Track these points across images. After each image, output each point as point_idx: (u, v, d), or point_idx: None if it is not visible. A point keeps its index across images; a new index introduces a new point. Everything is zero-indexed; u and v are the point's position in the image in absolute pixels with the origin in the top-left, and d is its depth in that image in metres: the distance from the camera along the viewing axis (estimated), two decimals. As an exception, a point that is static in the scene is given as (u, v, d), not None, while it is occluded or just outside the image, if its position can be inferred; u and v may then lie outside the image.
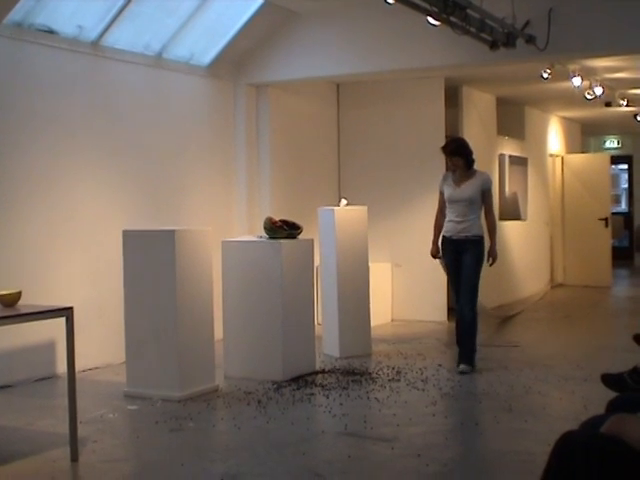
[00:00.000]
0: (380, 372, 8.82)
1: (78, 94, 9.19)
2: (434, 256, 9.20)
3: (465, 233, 8.89)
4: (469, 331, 8.89)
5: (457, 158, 8.89)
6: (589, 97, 13.22)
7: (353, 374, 8.70)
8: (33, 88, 8.70)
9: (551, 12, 9.41)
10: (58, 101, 8.96)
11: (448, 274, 9.31)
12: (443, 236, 9.07)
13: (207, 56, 11.01)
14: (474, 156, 9.06)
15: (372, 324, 10.11)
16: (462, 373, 8.67)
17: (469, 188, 8.90)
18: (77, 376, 5.98)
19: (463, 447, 6.38)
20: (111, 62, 9.59)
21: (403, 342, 10.38)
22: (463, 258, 8.87)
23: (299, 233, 8.78)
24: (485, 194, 8.97)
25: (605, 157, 18.65)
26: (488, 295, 13.65)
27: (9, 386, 8.24)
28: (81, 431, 6.05)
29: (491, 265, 9.07)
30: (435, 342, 10.65)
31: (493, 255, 9.00)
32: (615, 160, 21.43)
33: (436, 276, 12.39)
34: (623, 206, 24.58)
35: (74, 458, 5.83)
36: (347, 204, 10.06)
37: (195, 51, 10.81)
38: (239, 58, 11.33)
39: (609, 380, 6.18)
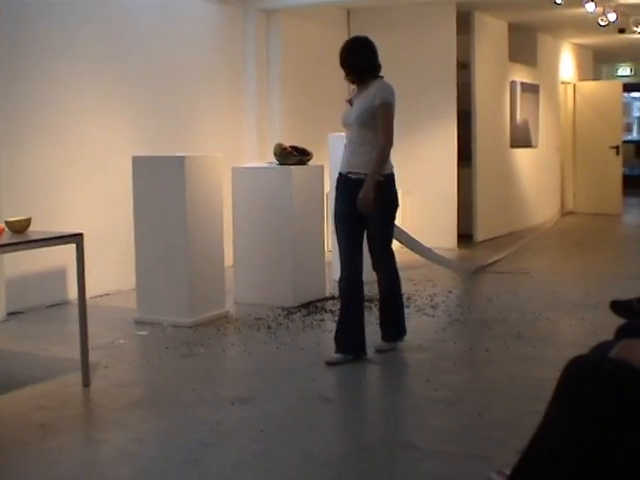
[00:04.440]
0: (390, 299, 8.84)
1: (87, 23, 9.10)
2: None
3: (362, 170, 6.35)
4: (389, 296, 6.82)
5: (346, 69, 6.56)
6: (602, 23, 13.05)
7: (363, 301, 8.72)
8: (42, 18, 8.61)
9: None
10: (67, 30, 8.88)
11: (336, 227, 6.65)
12: (339, 173, 6.61)
13: (216, -19, 10.90)
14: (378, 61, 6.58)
15: (382, 251, 10.10)
16: (379, 351, 6.75)
17: (357, 106, 6.43)
18: (88, 302, 6.01)
19: (472, 373, 6.42)
20: (119, -13, 9.52)
21: (412, 268, 10.36)
22: None
23: (309, 159, 8.75)
24: (378, 111, 6.31)
25: (617, 85, 18.47)
26: (498, 222, 13.67)
27: (21, 312, 8.30)
28: (92, 357, 6.10)
29: (359, 211, 6.30)
30: (445, 269, 10.64)
31: (364, 195, 6.23)
32: (627, 88, 21.21)
33: (446, 203, 12.43)
34: (635, 134, 24.47)
35: (86, 383, 5.88)
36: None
37: (204, -24, 10.70)
38: (248, -17, 11.23)
39: (618, 307, 6.15)
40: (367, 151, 6.35)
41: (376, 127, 6.33)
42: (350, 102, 6.54)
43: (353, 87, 6.66)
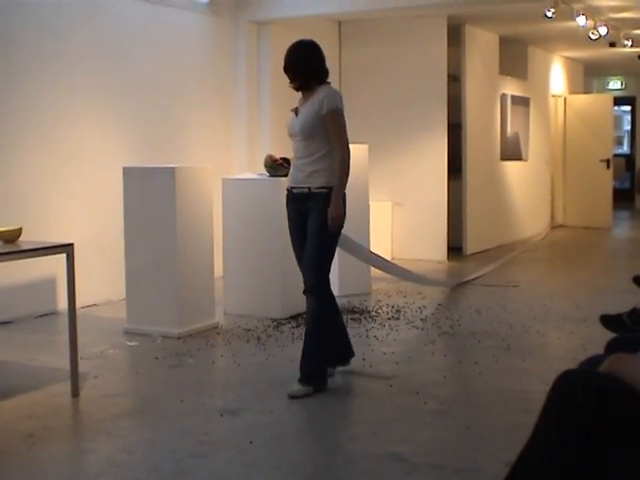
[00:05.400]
0: (379, 310, 8.85)
1: (79, 31, 9.11)
2: None
3: (307, 184, 6.00)
4: (310, 328, 6.09)
5: (290, 74, 6.16)
6: (593, 37, 13.09)
7: (352, 312, 8.71)
8: (34, 26, 8.61)
9: (556, -51, 9.30)
10: (59, 38, 8.88)
11: (292, 244, 6.30)
12: (286, 189, 6.28)
13: (208, -8, 10.92)
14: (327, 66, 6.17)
15: (372, 263, 10.11)
16: (292, 397, 5.87)
17: (302, 114, 6.02)
18: (78, 312, 6.00)
19: (461, 385, 6.42)
20: (111, -3, 9.52)
21: (402, 281, 10.37)
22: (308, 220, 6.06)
23: (300, 171, 8.74)
24: (327, 120, 5.92)
25: (608, 98, 18.53)
26: (488, 235, 13.68)
27: (10, 322, 8.28)
28: (82, 367, 6.10)
29: (331, 230, 5.92)
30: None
31: (334, 214, 5.86)
32: (618, 101, 21.28)
33: (436, 215, 12.45)
34: (625, 148, 24.52)
35: (75, 393, 5.87)
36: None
37: (196, -13, 10.72)
38: (240, -6, 11.25)
39: (608, 321, 6.20)
40: (310, 162, 5.97)
41: (323, 137, 5.94)
42: (296, 111, 6.14)
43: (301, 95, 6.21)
